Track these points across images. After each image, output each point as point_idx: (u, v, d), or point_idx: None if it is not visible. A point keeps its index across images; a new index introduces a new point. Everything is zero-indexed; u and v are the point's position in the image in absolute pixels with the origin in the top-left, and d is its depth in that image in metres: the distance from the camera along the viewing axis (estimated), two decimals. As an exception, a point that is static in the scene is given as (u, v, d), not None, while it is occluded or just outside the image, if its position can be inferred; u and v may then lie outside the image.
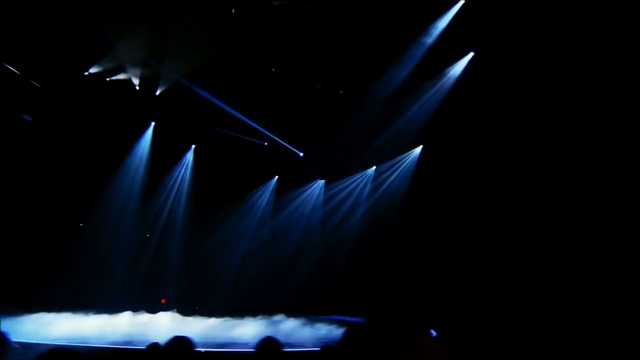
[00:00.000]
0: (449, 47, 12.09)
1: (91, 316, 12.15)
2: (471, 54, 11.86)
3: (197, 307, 18.59)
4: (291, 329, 11.94)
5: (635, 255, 8.25)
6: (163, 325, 12.26)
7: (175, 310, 13.74)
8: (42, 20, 12.29)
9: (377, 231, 13.99)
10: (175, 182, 16.63)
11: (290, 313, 13.05)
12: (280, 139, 16.05)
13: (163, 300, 19.55)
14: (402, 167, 14.89)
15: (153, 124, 16.12)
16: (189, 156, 16.87)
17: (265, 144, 16.47)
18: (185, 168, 16.76)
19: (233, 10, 12.81)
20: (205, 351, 8.30)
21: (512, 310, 9.01)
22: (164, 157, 16.23)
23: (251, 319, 13.10)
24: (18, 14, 11.99)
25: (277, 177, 18.07)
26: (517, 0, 10.07)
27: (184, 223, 16.41)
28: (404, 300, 12.03)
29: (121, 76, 14.27)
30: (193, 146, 17.31)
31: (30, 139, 14.05)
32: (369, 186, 15.56)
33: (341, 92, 14.56)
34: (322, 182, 17.69)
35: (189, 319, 13.76)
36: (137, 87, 14.64)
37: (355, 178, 16.14)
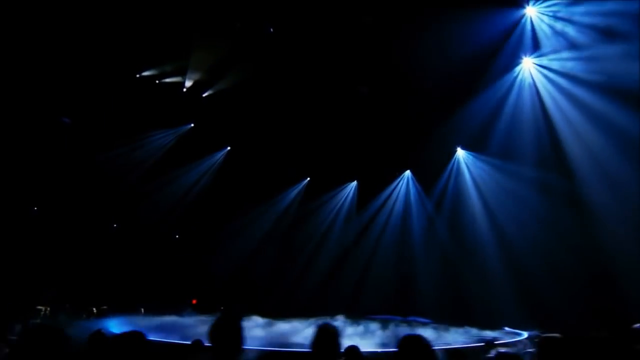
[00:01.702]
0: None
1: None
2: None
3: (222, 307, 18.80)
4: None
5: None
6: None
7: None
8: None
9: None
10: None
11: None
12: None
13: (194, 301, 19.73)
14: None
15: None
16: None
17: None
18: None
19: (271, 29, 13.12)
20: None
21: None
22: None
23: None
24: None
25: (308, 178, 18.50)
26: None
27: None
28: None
29: (172, 79, 14.38)
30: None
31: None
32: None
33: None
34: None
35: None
36: (185, 89, 14.78)
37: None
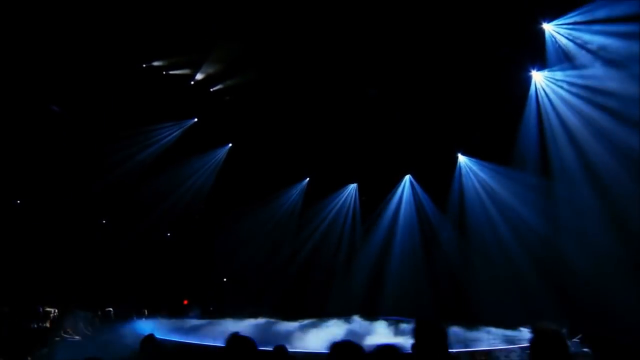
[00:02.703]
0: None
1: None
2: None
3: (211, 308, 18.28)
4: None
5: None
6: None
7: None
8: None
9: None
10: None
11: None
12: None
13: (185, 302, 19.06)
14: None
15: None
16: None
17: None
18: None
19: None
20: None
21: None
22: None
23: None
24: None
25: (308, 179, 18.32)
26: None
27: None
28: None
29: (179, 71, 13.81)
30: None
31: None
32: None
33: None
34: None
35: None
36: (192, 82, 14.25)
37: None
